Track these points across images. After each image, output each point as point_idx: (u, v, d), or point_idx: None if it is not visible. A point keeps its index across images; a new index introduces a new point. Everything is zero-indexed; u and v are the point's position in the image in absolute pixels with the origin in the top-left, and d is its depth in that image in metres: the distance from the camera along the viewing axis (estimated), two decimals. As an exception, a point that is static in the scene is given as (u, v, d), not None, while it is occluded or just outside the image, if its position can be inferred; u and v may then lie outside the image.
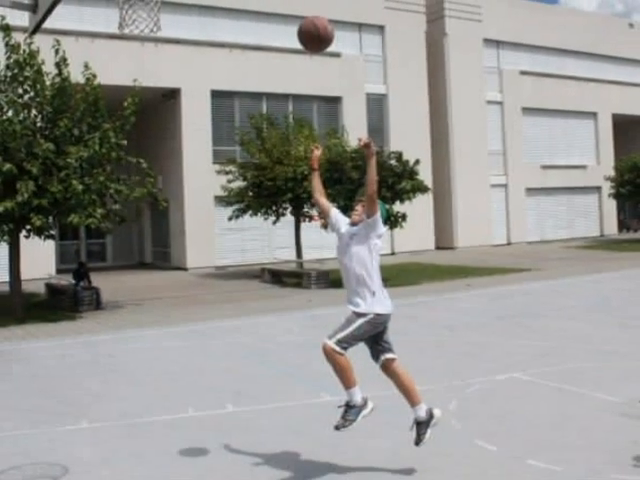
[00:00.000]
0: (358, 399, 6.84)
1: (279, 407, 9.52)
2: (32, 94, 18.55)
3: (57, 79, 18.71)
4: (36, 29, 7.29)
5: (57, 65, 18.75)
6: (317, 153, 7.57)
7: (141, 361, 13.28)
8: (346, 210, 7.74)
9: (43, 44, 18.16)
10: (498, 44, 42.98)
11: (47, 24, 7.20)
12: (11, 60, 18.36)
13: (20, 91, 18.55)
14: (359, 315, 6.83)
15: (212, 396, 10.24)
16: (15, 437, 8.62)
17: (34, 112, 18.62)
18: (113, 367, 12.77)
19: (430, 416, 7.11)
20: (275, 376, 11.53)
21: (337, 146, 26.22)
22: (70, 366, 12.97)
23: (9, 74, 18.42)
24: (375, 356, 7.10)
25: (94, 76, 18.99)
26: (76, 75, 18.99)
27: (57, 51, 18.75)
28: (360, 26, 37.85)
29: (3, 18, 17.86)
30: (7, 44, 18.28)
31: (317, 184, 7.60)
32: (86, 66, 19.09)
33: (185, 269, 32.13)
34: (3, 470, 7.46)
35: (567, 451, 7.50)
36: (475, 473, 7.06)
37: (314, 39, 6.96)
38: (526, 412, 8.99)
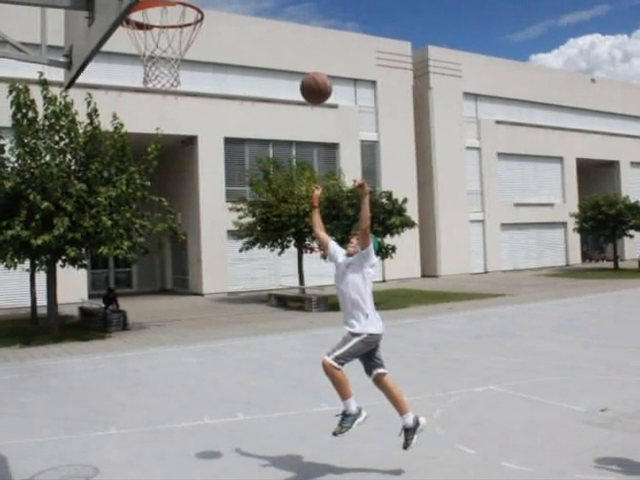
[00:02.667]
0: (353, 408, 6.89)
1: (284, 416, 9.56)
2: (67, 141, 18.70)
3: (89, 128, 18.88)
4: (70, 84, 7.36)
5: (89, 115, 18.91)
6: (317, 192, 7.66)
7: (163, 375, 13.30)
8: (343, 243, 7.80)
9: (77, 96, 18.33)
10: (476, 97, 43.13)
11: (80, 79, 7.29)
12: (49, 111, 18.53)
13: (57, 138, 18.69)
14: (354, 335, 6.89)
15: (225, 406, 10.27)
16: (52, 442, 8.65)
17: (69, 156, 18.74)
18: (138, 380, 12.80)
19: (416, 423, 7.16)
20: (280, 388, 11.55)
21: (335, 186, 26.36)
22: (100, 380, 12.99)
23: (47, 123, 18.58)
24: (368, 371, 7.15)
25: (121, 125, 19.17)
26: (106, 124, 19.17)
27: (89, 103, 18.93)
28: (355, 81, 38.02)
29: (42, 74, 18.02)
30: (45, 97, 18.47)
31: (317, 220, 7.69)
32: (114, 116, 19.28)
33: (201, 294, 32.11)
34: (42, 471, 7.50)
35: (536, 454, 7.54)
36: (456, 473, 7.10)
37: (315, 93, 7.05)
38: (501, 420, 9.02)
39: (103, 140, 18.88)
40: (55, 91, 18.44)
